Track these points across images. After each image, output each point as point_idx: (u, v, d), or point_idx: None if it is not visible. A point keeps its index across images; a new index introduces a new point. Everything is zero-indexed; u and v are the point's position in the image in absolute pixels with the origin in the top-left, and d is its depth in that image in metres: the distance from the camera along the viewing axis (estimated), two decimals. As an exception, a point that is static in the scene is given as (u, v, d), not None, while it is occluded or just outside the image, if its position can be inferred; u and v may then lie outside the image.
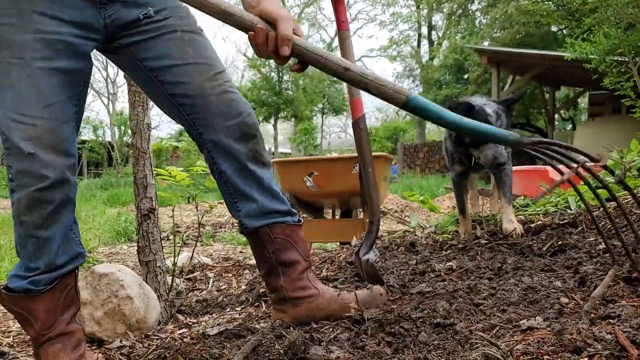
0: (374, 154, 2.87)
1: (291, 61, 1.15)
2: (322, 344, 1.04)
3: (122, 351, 1.34)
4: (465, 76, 19.20)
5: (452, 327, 1.02)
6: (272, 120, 16.61)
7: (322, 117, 28.35)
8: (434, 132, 39.57)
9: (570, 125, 21.70)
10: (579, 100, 20.32)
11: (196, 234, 5.41)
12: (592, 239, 1.55)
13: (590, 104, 16.29)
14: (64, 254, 1.17)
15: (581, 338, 0.81)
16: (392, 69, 57.20)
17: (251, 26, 1.08)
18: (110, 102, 22.24)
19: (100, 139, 18.30)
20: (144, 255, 1.89)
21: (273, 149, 21.65)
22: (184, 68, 1.22)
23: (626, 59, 6.40)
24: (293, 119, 18.50)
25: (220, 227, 6.42)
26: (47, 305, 1.16)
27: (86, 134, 18.22)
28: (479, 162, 1.91)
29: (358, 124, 1.55)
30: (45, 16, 1.08)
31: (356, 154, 2.58)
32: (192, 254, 2.41)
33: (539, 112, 19.75)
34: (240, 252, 4.20)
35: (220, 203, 7.02)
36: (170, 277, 2.01)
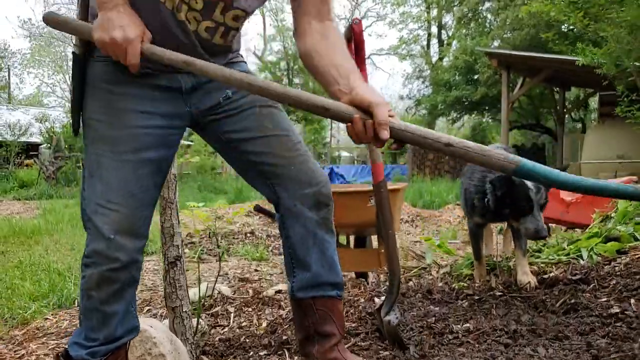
0: (392, 187, 2.94)
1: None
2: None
3: (158, 410, 1.42)
4: (475, 77, 19.15)
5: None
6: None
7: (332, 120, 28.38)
8: (441, 131, 39.47)
9: (580, 125, 21.58)
10: (589, 100, 20.22)
11: (210, 244, 5.52)
12: (604, 299, 1.62)
13: (601, 105, 16.21)
14: (122, 327, 1.27)
15: None
16: (401, 70, 56.92)
17: (349, 117, 1.10)
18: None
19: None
20: (171, 301, 1.98)
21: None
22: (264, 139, 1.32)
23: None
24: (303, 121, 18.61)
25: (233, 238, 6.49)
26: None
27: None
28: (502, 216, 1.96)
29: (379, 187, 1.63)
30: (136, 112, 1.18)
31: (371, 188, 2.65)
32: (214, 288, 2.50)
33: (549, 112, 19.68)
34: (255, 270, 4.29)
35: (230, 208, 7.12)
36: (195, 319, 2.09)
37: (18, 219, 7.98)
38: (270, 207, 2.31)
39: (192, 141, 21.02)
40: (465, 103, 19.24)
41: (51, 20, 1.23)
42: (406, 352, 1.46)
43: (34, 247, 5.57)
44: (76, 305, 3.15)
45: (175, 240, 2.00)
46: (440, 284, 2.15)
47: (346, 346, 1.65)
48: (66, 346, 1.30)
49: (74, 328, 2.57)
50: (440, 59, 22.84)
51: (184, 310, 1.97)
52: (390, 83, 68.64)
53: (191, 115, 1.29)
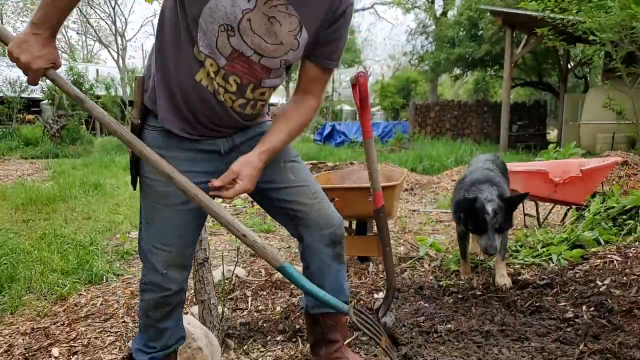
0: (392, 183, 3.22)
1: None
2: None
3: (199, 393, 1.78)
4: (479, 33, 18.93)
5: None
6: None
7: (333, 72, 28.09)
8: (446, 89, 38.93)
9: (584, 83, 21.47)
10: (594, 57, 20.05)
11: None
12: (562, 303, 1.95)
13: (607, 61, 16.14)
14: (173, 338, 1.60)
15: None
16: (405, 25, 55.59)
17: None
18: (119, 57, 22.21)
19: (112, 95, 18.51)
20: (200, 295, 2.32)
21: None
22: (288, 190, 1.59)
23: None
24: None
25: (238, 214, 6.79)
26: None
27: (99, 91, 18.40)
28: None
29: (379, 212, 1.92)
30: (182, 172, 1.41)
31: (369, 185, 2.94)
32: (233, 273, 2.85)
33: (553, 69, 19.56)
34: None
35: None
36: (221, 307, 2.44)
37: (31, 184, 8.28)
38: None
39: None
40: (469, 60, 19.10)
41: None
42: (400, 348, 1.80)
43: (52, 216, 5.89)
44: (105, 281, 3.51)
45: (203, 244, 2.31)
46: (430, 278, 2.48)
47: (349, 340, 2.00)
48: (130, 351, 1.64)
49: (110, 308, 2.94)
50: (444, 13, 22.45)
51: (211, 302, 2.31)
52: (394, 34, 67.06)
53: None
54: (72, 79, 15.30)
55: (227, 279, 3.05)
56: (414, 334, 1.92)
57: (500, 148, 14.68)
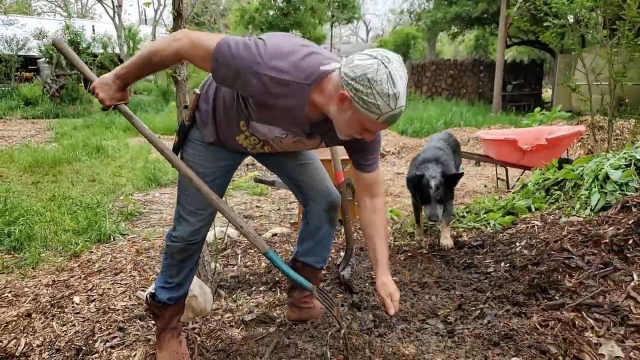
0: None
1: None
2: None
3: (195, 330, 2.26)
4: (477, -9, 18.70)
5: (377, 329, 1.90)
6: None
7: (332, 28, 27.80)
8: (445, 45, 38.26)
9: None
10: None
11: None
12: (488, 260, 2.39)
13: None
14: (188, 280, 2.03)
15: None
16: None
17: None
18: (116, 15, 21.99)
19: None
20: (196, 253, 2.76)
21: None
22: (300, 166, 2.01)
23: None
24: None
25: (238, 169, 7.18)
26: (172, 311, 2.02)
27: (96, 49, 18.41)
28: None
29: (339, 187, 2.34)
30: (216, 159, 1.85)
31: (344, 157, 3.34)
32: (225, 234, 3.29)
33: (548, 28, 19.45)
34: (257, 206, 5.06)
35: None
36: (213, 263, 2.89)
37: (36, 146, 8.65)
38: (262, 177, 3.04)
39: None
40: (466, 18, 18.99)
41: (57, 45, 1.85)
42: (353, 295, 2.26)
43: (59, 178, 6.31)
44: (112, 240, 3.97)
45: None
46: (391, 239, 2.92)
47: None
48: (153, 290, 2.07)
49: (119, 264, 3.40)
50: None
51: (205, 259, 2.76)
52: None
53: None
54: (68, 37, 15.32)
55: (220, 239, 3.50)
56: (366, 284, 2.37)
57: (492, 108, 14.93)
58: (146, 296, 2.07)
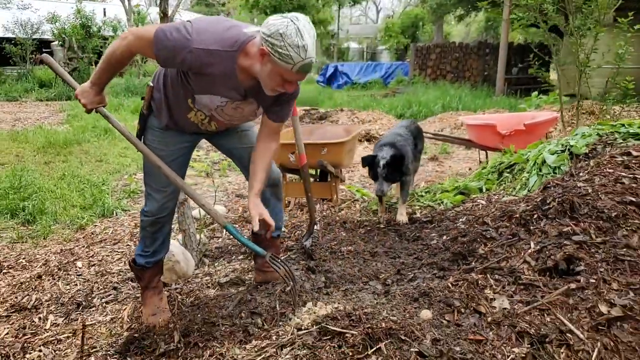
0: (339, 140, 3.93)
1: None
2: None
3: (177, 290, 2.64)
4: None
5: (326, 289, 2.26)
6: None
7: (339, 9, 27.75)
8: (454, 27, 37.83)
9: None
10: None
11: (219, 158, 6.62)
12: (433, 234, 2.73)
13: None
14: (163, 248, 2.40)
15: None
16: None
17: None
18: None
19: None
20: (182, 226, 3.13)
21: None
22: (241, 149, 2.32)
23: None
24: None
25: (216, 163, 7.49)
26: (150, 273, 2.39)
27: (106, 32, 18.75)
28: None
29: (303, 168, 2.68)
30: (175, 143, 2.17)
31: (323, 142, 3.69)
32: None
33: (560, 9, 19.33)
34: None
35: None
36: (199, 235, 3.27)
37: (49, 127, 9.09)
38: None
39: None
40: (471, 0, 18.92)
41: (46, 61, 2.20)
42: (311, 262, 2.62)
43: (69, 158, 6.74)
44: (115, 215, 4.37)
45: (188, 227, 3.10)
46: (357, 215, 3.27)
47: (283, 257, 2.83)
48: (133, 256, 2.45)
49: (118, 235, 3.80)
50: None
51: (191, 231, 3.14)
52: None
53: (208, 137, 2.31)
54: (79, 22, 15.68)
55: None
56: (326, 253, 2.73)
57: (496, 92, 15.00)
58: (129, 261, 2.45)
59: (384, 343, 1.70)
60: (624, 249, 1.80)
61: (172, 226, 2.54)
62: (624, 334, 1.55)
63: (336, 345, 1.76)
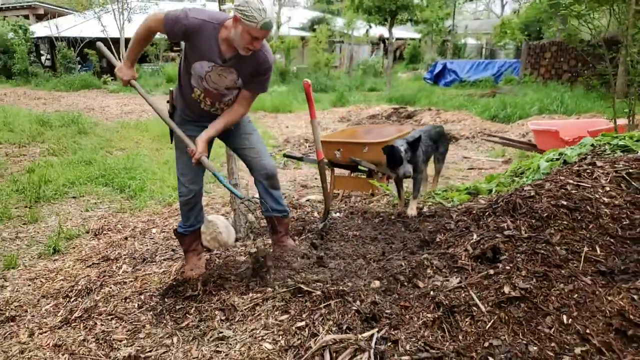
0: (380, 140, 4.33)
1: None
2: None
3: (217, 255, 3.31)
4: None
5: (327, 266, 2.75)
6: (387, 25, 16.97)
7: (454, 6, 27.14)
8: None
9: None
10: None
11: (301, 149, 7.29)
12: (430, 227, 3.06)
13: None
14: (197, 220, 3.07)
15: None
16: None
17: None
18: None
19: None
20: (233, 206, 3.82)
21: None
22: (244, 149, 2.92)
23: None
24: (409, 23, 18.60)
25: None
26: (189, 239, 3.08)
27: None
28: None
29: (321, 162, 3.19)
30: (188, 131, 2.84)
31: (364, 141, 4.15)
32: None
33: None
34: (315, 178, 6.01)
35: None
36: (250, 215, 3.92)
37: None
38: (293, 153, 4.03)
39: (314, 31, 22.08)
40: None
41: (99, 47, 2.98)
42: (319, 240, 3.12)
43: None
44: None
45: (235, 174, 3.77)
46: (379, 207, 3.68)
47: (304, 236, 3.36)
48: (176, 227, 3.16)
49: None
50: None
51: (241, 210, 3.80)
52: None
53: None
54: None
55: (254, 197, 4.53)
56: (336, 235, 3.20)
57: (615, 95, 13.84)
58: (173, 230, 3.16)
59: (334, 301, 2.18)
60: (543, 244, 2.04)
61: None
62: (518, 311, 1.84)
63: (303, 300, 2.28)
